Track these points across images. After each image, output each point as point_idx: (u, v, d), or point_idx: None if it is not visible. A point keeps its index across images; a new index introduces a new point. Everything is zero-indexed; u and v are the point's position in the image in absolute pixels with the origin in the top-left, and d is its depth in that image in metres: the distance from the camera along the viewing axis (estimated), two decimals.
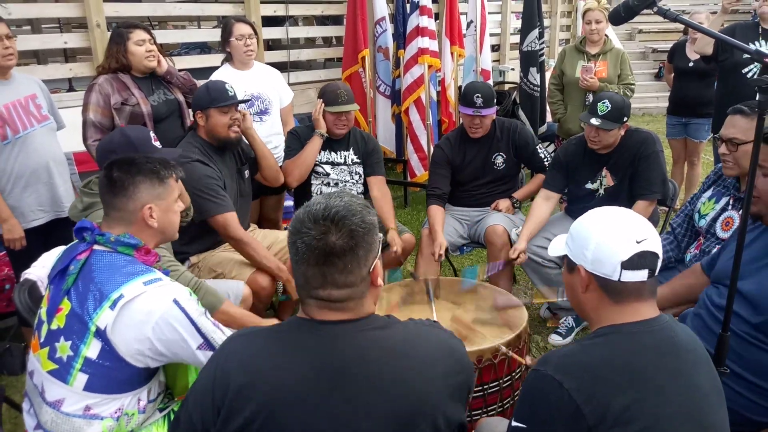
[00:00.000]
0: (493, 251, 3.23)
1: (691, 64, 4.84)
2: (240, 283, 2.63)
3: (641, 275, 1.31)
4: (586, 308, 1.40)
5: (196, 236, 2.81)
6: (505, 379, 2.22)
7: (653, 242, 1.32)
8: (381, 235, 1.32)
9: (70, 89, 4.16)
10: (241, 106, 2.91)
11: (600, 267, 1.32)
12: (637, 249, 1.30)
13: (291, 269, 1.29)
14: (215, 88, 2.81)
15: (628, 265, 1.30)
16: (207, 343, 1.61)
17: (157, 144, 2.24)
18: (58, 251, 1.85)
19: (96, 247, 1.63)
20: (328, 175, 3.34)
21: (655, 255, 1.32)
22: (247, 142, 3.05)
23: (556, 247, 1.51)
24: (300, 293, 1.29)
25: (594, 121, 2.90)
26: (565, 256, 1.44)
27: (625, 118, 2.93)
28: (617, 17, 1.72)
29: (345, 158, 3.36)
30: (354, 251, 1.22)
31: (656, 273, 1.34)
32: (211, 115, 2.78)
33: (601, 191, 3.10)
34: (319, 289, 1.24)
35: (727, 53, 3.87)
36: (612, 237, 1.31)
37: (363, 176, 3.40)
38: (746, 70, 3.79)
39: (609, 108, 2.88)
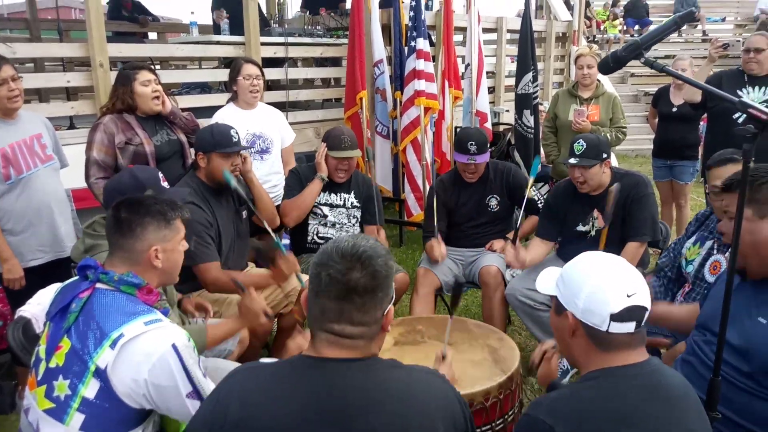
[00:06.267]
0: (488, 292, 3.24)
1: (675, 110, 4.93)
2: None
3: (629, 327, 1.34)
4: (574, 352, 1.43)
5: (187, 277, 2.80)
6: (498, 422, 2.20)
7: (642, 296, 1.35)
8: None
9: (71, 127, 4.19)
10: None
11: (590, 317, 1.36)
12: (627, 303, 1.33)
13: (306, 301, 1.32)
14: (220, 132, 2.82)
15: (617, 317, 1.33)
16: (195, 392, 1.61)
17: (165, 185, 2.26)
18: (54, 288, 1.85)
19: (98, 285, 1.65)
20: (325, 216, 3.36)
21: (643, 308, 1.36)
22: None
23: (545, 285, 1.53)
24: (312, 325, 1.31)
25: (572, 160, 3.00)
26: (554, 297, 1.47)
27: (605, 155, 3.00)
28: (606, 67, 1.76)
29: (345, 201, 3.38)
30: (374, 292, 1.27)
31: (642, 324, 1.37)
32: (212, 159, 2.80)
33: (593, 233, 3.13)
34: (335, 323, 1.26)
35: (715, 100, 3.95)
36: (604, 289, 1.34)
37: (360, 220, 3.43)
38: (737, 115, 3.82)
39: (585, 147, 2.97)
